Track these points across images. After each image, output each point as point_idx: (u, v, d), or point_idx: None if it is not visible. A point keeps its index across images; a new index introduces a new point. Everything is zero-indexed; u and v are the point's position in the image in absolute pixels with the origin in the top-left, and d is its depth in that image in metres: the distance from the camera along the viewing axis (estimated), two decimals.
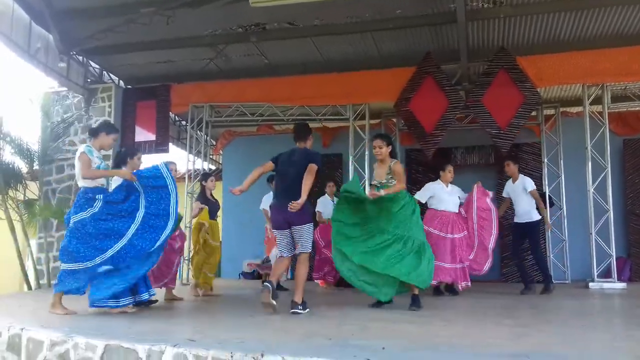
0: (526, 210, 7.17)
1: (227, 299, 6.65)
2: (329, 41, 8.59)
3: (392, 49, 8.82)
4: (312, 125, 10.59)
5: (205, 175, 7.21)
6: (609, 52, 8.23)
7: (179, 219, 5.37)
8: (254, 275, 10.38)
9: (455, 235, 6.73)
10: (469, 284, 6.84)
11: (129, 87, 10.07)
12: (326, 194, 8.43)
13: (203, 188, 6.97)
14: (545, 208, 8.80)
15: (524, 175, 7.62)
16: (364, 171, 9.16)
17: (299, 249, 4.82)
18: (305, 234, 4.81)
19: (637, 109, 9.55)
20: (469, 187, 7.38)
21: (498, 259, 9.95)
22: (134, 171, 5.03)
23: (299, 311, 4.60)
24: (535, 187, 7.27)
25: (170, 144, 10.34)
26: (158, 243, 4.76)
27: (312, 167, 4.77)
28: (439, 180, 7.03)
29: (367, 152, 9.21)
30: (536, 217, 7.15)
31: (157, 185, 4.87)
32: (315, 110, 9.55)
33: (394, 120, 9.95)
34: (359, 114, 9.34)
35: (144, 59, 9.34)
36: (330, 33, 8.23)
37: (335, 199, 8.50)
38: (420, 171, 10.35)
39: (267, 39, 8.53)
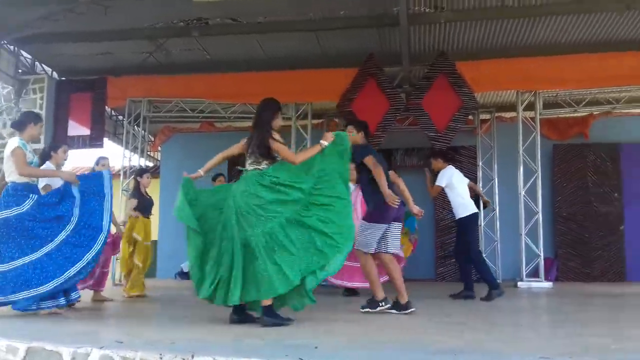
0: (454, 207, 6.57)
1: (160, 300, 6.48)
2: (272, 39, 8.53)
3: (336, 49, 8.85)
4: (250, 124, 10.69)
5: (141, 171, 7.04)
6: (543, 60, 8.58)
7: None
8: (189, 275, 10.16)
9: None
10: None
11: (63, 79, 9.63)
12: None
13: (138, 184, 6.80)
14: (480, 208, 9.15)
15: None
16: None
17: None
18: None
19: (568, 115, 10.03)
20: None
21: (433, 259, 10.21)
22: (77, 175, 4.80)
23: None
24: (444, 182, 6.48)
25: (106, 139, 9.95)
26: (80, 264, 4.49)
27: None
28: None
29: None
30: (462, 213, 6.43)
31: (96, 192, 4.66)
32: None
33: (337, 120, 10.01)
34: (302, 114, 9.34)
35: (80, 50, 8.95)
36: (274, 30, 8.17)
37: None
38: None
39: (209, 34, 8.37)
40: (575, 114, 10.02)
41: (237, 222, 3.88)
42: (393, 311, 4.63)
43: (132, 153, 9.80)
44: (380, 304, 4.68)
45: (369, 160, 4.68)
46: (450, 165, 6.64)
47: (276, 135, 4.07)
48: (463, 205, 6.40)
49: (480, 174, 10.03)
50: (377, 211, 4.76)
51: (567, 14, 7.67)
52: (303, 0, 7.40)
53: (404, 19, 7.26)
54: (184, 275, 10.32)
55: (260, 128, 4.09)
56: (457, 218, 6.50)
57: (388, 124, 8.73)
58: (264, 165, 4.02)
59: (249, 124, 10.63)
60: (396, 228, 4.90)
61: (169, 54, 9.13)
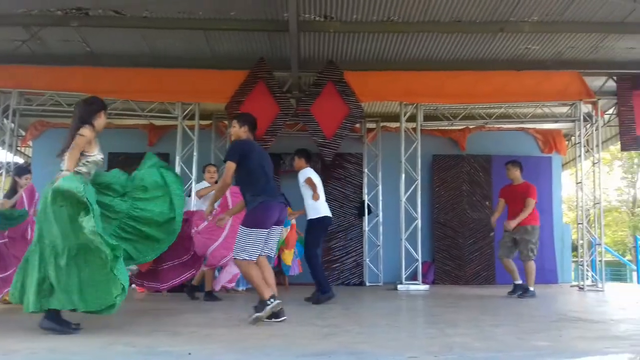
0: (306, 207, 6.49)
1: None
2: (159, 35, 8.23)
3: (225, 50, 8.72)
4: (137, 122, 10.24)
5: (21, 170, 6.40)
6: (425, 74, 9.05)
7: None
8: None
9: None
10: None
11: None
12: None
13: (15, 184, 6.18)
14: (363, 215, 9.48)
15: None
16: (191, 172, 8.92)
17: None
18: None
19: (446, 128, 10.65)
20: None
21: None
22: None
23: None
24: (308, 179, 6.46)
25: None
26: None
27: None
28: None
29: (195, 153, 8.99)
30: (311, 215, 6.37)
31: None
32: (141, 106, 9.08)
33: (226, 122, 9.86)
34: (189, 114, 9.09)
35: None
36: (160, 27, 7.88)
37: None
38: None
39: (89, 26, 7.88)
40: (452, 127, 10.65)
41: None
42: (257, 315, 4.22)
43: (0, 148, 8.98)
44: (269, 302, 4.25)
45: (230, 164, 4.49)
46: (310, 168, 6.66)
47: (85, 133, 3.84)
48: (314, 207, 6.36)
49: (365, 180, 10.37)
50: (258, 214, 4.43)
51: (446, 33, 8.15)
52: None
53: (294, 25, 7.32)
54: None
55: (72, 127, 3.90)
56: (307, 218, 6.45)
57: (277, 128, 8.76)
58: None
59: (131, 121, 10.22)
60: (276, 232, 4.67)
61: (44, 43, 8.48)
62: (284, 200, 4.65)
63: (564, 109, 9.80)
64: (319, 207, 6.37)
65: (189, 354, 2.90)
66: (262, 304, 4.27)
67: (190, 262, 5.59)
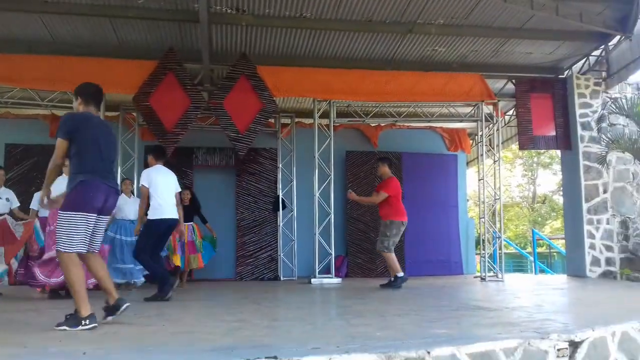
0: (150, 207, 6.09)
1: None
2: (60, 21, 7.78)
3: (133, 38, 8.42)
4: (38, 112, 9.64)
5: None
6: (339, 72, 9.18)
7: None
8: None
9: None
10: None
11: None
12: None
13: None
14: (277, 210, 9.52)
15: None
16: None
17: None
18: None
19: (358, 124, 10.87)
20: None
21: (234, 258, 10.26)
22: None
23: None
24: (146, 181, 6.06)
25: None
26: None
27: None
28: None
29: None
30: (150, 216, 6.03)
31: None
32: (42, 95, 8.53)
33: (134, 114, 9.50)
34: None
35: None
36: (62, 12, 7.45)
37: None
38: None
39: None
40: (365, 124, 10.88)
41: None
42: (65, 327, 3.55)
43: None
44: (84, 323, 3.56)
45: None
46: (158, 165, 6.27)
47: None
48: (154, 208, 5.99)
49: (280, 175, 10.37)
50: (78, 195, 3.75)
51: (358, 32, 8.30)
52: None
53: (204, 16, 7.18)
54: None
55: None
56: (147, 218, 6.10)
57: (188, 121, 8.56)
58: None
59: (30, 111, 9.59)
60: (102, 223, 3.97)
61: None
62: (115, 185, 4.00)
63: (468, 109, 10.31)
64: (158, 209, 5.97)
65: (84, 353, 2.76)
66: (76, 318, 3.60)
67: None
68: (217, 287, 8.26)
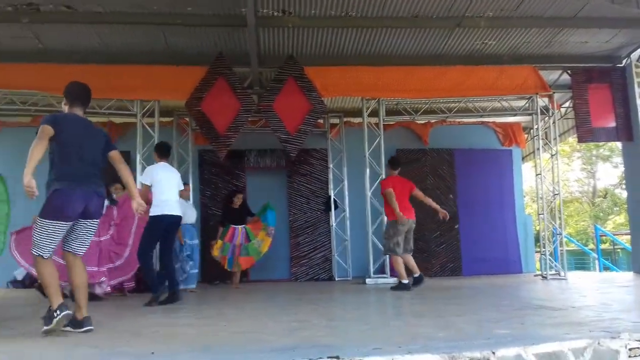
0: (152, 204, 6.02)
1: None
2: (112, 30, 8.01)
3: (183, 45, 8.56)
4: (97, 119, 9.97)
5: None
6: (386, 70, 9.08)
7: None
8: (25, 284, 9.18)
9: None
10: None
11: None
12: None
13: None
14: (329, 210, 9.48)
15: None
16: None
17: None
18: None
19: (408, 122, 10.72)
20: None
21: (288, 259, 10.33)
22: None
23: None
24: (148, 180, 6.04)
25: None
26: None
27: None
28: None
29: None
30: (150, 212, 5.92)
31: None
32: (99, 104, 8.82)
33: (188, 119, 9.71)
34: (148, 111, 8.89)
35: None
36: (114, 22, 7.68)
37: None
38: (213, 172, 10.29)
39: (40, 22, 7.61)
40: (415, 121, 10.72)
41: None
42: (45, 327, 3.53)
43: None
44: (55, 314, 3.51)
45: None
46: (162, 163, 6.27)
47: None
48: (156, 205, 5.94)
49: (331, 175, 10.36)
50: (50, 204, 3.67)
51: (404, 28, 8.19)
52: None
53: (252, 20, 7.23)
54: (17, 283, 9.31)
55: None
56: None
57: (240, 125, 8.66)
58: None
59: (90, 119, 9.91)
60: (89, 226, 3.88)
61: None
62: (97, 188, 3.85)
63: (522, 103, 9.99)
64: (159, 206, 5.94)
65: (152, 353, 2.84)
66: (49, 312, 3.56)
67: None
68: (274, 287, 8.33)
